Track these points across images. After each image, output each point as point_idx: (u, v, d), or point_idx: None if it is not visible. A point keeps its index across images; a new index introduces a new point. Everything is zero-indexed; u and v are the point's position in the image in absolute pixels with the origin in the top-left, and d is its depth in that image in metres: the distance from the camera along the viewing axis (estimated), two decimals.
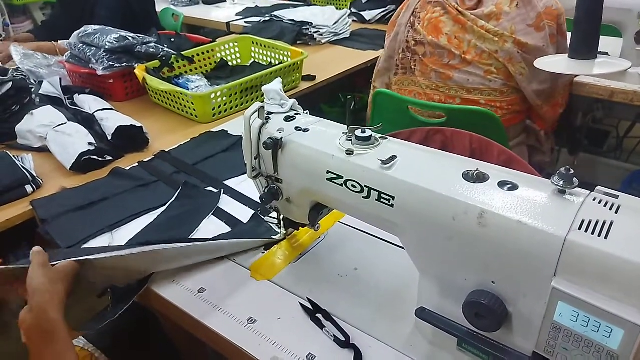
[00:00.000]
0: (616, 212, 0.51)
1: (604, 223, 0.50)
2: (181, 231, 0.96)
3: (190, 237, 0.95)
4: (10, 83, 1.43)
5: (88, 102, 1.38)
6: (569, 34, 1.03)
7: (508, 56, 1.28)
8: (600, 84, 1.48)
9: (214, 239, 0.93)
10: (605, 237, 0.49)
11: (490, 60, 1.31)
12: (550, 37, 1.29)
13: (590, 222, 0.50)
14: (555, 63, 1.05)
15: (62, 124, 1.25)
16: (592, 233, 0.49)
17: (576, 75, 1.42)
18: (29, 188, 1.10)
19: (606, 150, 2.01)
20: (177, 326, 0.82)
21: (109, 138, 1.24)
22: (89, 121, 1.30)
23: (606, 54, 1.56)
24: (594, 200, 0.54)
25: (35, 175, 1.13)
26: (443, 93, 1.39)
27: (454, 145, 1.19)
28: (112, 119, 1.27)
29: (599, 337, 0.49)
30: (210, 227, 0.98)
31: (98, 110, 1.32)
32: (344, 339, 0.70)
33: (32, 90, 1.50)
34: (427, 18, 1.39)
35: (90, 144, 1.19)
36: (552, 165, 1.67)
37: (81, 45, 1.59)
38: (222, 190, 1.09)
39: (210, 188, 1.11)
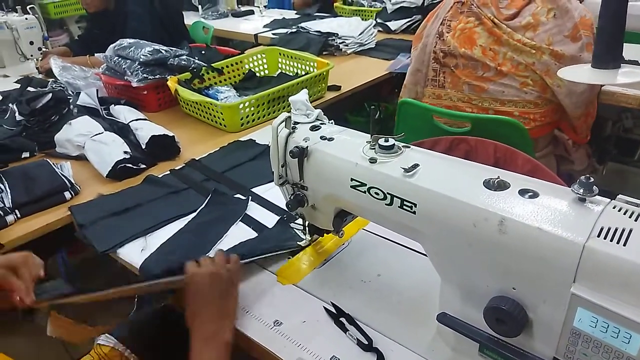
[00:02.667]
0: (636, 220, 0.52)
1: (623, 230, 0.51)
2: (210, 236, 0.99)
3: (218, 241, 0.98)
4: (50, 94, 1.51)
5: (123, 113, 1.44)
6: None
7: (545, 68, 1.26)
8: (629, 92, 1.46)
9: (240, 244, 0.96)
10: (624, 244, 0.50)
11: (527, 72, 1.29)
12: (587, 46, 1.26)
13: (609, 230, 0.51)
14: (579, 73, 1.05)
15: (99, 134, 1.31)
16: (611, 240, 0.50)
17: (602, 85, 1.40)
18: (67, 194, 1.15)
19: (636, 159, 1.98)
20: None
21: (143, 147, 1.29)
22: (124, 131, 1.36)
23: (636, 62, 1.54)
24: (614, 208, 0.54)
25: (73, 182, 1.18)
26: (475, 105, 1.37)
27: (478, 154, 1.20)
28: (146, 129, 1.33)
29: (618, 342, 0.50)
30: (238, 233, 1.01)
31: (133, 120, 1.38)
32: (366, 343, 0.72)
33: (70, 101, 1.57)
34: (459, 28, 1.37)
35: (125, 152, 1.24)
36: (587, 172, 1.64)
37: (117, 58, 1.66)
38: (250, 197, 1.12)
39: (238, 195, 1.15)
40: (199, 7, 3.29)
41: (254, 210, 1.09)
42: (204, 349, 0.71)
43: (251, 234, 1.01)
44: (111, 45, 1.71)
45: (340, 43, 2.22)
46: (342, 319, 0.77)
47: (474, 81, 1.36)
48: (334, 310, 0.79)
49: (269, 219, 1.05)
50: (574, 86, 1.27)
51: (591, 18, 1.26)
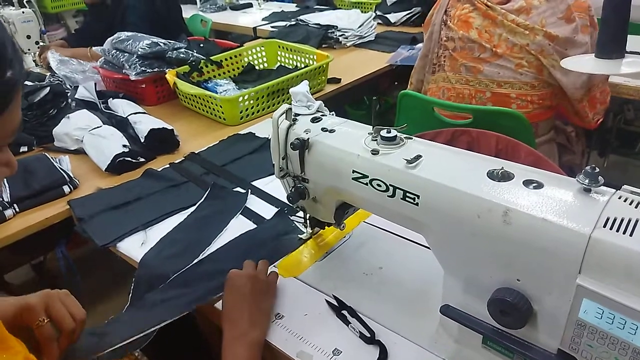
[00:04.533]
0: None
1: (629, 221, 0.50)
2: (210, 230, 0.99)
3: (218, 235, 0.97)
4: (48, 88, 1.50)
5: (122, 106, 1.43)
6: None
7: (539, 48, 1.28)
8: (630, 84, 1.46)
9: (237, 237, 0.96)
10: (631, 235, 0.49)
11: (522, 54, 1.31)
12: (582, 28, 1.28)
13: (615, 220, 0.51)
14: (582, 63, 1.04)
15: (98, 127, 1.30)
16: (617, 230, 0.50)
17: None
18: (66, 188, 1.15)
19: (637, 152, 1.97)
20: (210, 322, 0.85)
21: (142, 140, 1.28)
22: (122, 124, 1.35)
23: (638, 54, 1.53)
24: (620, 198, 0.54)
25: (72, 176, 1.18)
26: (473, 87, 1.39)
27: (480, 146, 1.19)
28: (145, 122, 1.32)
29: (625, 334, 0.49)
30: (238, 226, 1.00)
31: (131, 114, 1.37)
32: (369, 335, 0.72)
33: (68, 94, 1.56)
34: (457, 15, 1.41)
35: (124, 146, 1.23)
36: (582, 167, 1.64)
37: (114, 51, 1.65)
38: (250, 190, 1.12)
39: (238, 189, 1.14)
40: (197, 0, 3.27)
41: (255, 204, 1.08)
42: (231, 348, 0.70)
43: (251, 227, 1.00)
44: (109, 39, 1.69)
45: (339, 36, 2.20)
46: (344, 312, 0.77)
47: (470, 62, 1.38)
48: (335, 303, 0.78)
49: (270, 212, 1.04)
50: None
51: (587, 1, 1.28)
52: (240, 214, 1.05)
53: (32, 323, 0.65)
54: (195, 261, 0.91)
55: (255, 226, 1.00)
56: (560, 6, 1.27)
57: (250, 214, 1.04)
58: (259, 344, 0.71)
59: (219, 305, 0.81)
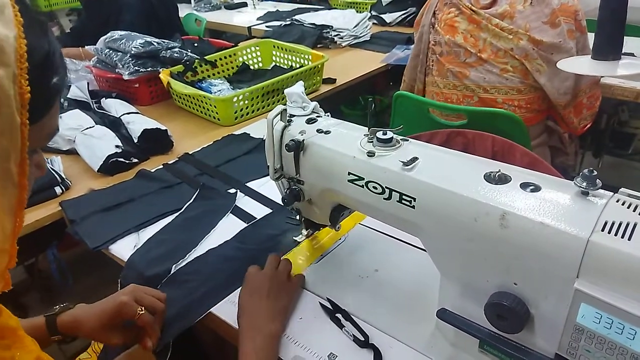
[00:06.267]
0: None
1: (628, 224, 0.50)
2: (198, 231, 0.98)
3: (206, 236, 0.97)
4: None
5: (115, 106, 1.41)
6: (591, 35, 1.02)
7: (524, 53, 1.27)
8: (625, 85, 1.46)
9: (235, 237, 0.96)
10: (629, 239, 0.48)
11: (506, 59, 1.30)
12: (568, 33, 1.27)
13: (613, 224, 0.50)
14: (578, 64, 1.04)
15: (90, 127, 1.29)
16: (616, 234, 0.49)
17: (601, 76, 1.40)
18: (58, 189, 1.13)
19: (632, 153, 1.98)
20: (204, 326, 0.84)
21: (135, 141, 1.26)
22: (115, 124, 1.34)
23: (632, 54, 1.54)
24: (618, 201, 0.53)
25: (64, 177, 1.16)
26: (460, 92, 1.39)
27: (476, 147, 1.19)
28: (138, 122, 1.30)
29: (623, 339, 0.49)
30: (230, 227, 1.00)
31: (124, 114, 1.36)
32: (363, 339, 0.71)
33: None
34: (443, 19, 1.41)
35: (117, 146, 1.22)
36: (575, 168, 1.64)
37: (108, 50, 1.63)
38: (238, 190, 1.11)
39: (231, 190, 1.13)
40: None
41: (248, 205, 1.07)
42: (248, 337, 0.71)
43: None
44: (102, 38, 1.68)
45: (335, 36, 2.20)
46: (338, 315, 0.76)
47: (456, 67, 1.38)
48: (329, 306, 0.78)
49: (264, 214, 1.03)
50: (557, 71, 1.26)
51: (575, 5, 1.27)
52: (234, 215, 1.03)
53: (131, 316, 0.74)
54: (192, 258, 0.91)
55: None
56: (544, 10, 1.26)
57: (245, 216, 1.03)
58: (276, 336, 0.72)
59: (217, 311, 0.80)
